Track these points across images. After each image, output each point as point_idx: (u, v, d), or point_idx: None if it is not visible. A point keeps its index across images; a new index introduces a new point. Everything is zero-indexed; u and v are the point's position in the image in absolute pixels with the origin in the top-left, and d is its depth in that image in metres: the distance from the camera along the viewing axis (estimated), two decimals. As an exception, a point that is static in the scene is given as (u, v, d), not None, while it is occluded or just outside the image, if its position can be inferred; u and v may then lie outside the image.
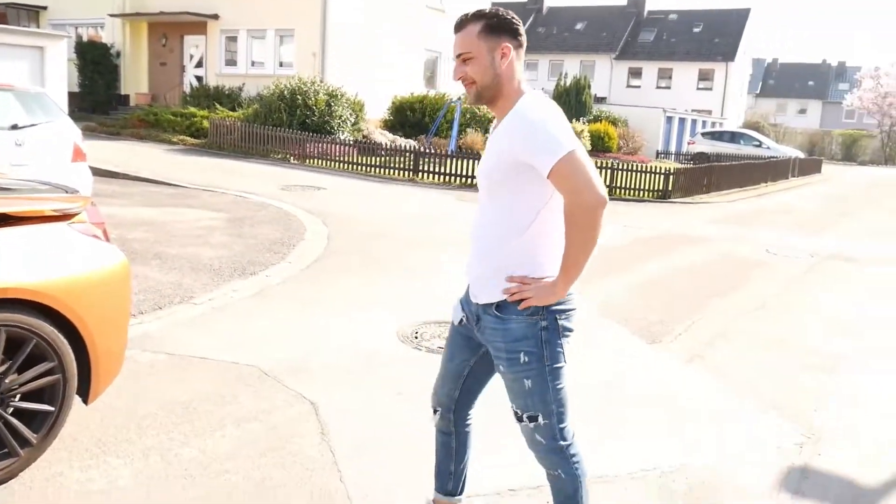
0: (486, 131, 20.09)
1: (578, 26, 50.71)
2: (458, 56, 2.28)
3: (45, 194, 3.33)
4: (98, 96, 23.11)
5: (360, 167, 16.57)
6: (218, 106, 20.11)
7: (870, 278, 8.53)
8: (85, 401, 3.15)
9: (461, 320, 2.51)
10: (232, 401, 3.84)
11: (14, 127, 7.51)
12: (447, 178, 15.87)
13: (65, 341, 2.96)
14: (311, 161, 16.95)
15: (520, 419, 2.38)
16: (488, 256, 2.32)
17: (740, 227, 12.12)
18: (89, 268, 3.14)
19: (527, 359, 2.28)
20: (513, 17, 2.26)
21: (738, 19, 48.40)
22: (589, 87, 31.31)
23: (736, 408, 4.28)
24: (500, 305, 2.30)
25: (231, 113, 19.52)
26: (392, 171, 16.30)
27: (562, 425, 2.36)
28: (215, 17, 22.25)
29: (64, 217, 3.15)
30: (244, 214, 9.59)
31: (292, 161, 16.95)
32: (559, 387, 2.32)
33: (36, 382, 2.93)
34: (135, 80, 24.13)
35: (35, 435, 2.95)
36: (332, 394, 4.03)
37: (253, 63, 22.35)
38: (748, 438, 3.85)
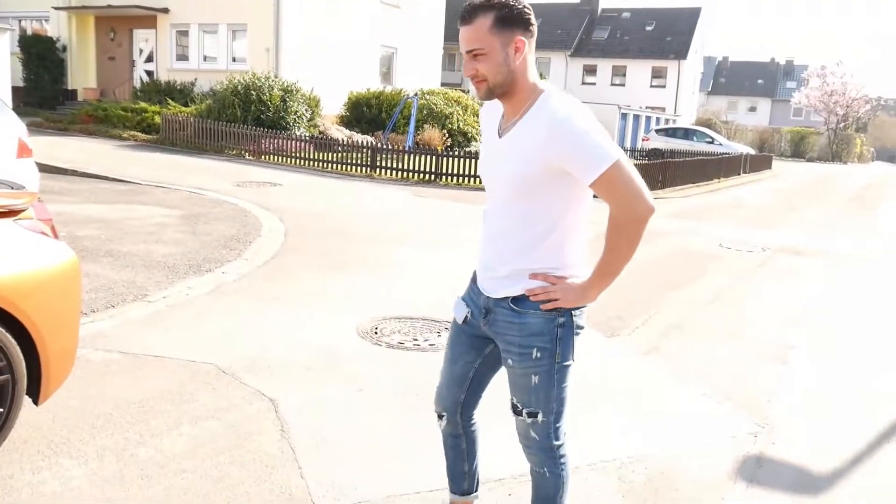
0: (444, 127, 20.03)
1: (534, 23, 51.03)
2: (469, 52, 2.08)
3: (-10, 189, 3.23)
4: (44, 91, 22.58)
5: (316, 163, 16.43)
6: (170, 101, 19.76)
7: (818, 271, 8.75)
8: (35, 402, 3.06)
9: (465, 317, 2.40)
10: (189, 399, 3.77)
11: (-45, 122, 7.25)
12: (405, 173, 15.82)
13: (13, 341, 2.87)
14: (267, 157, 16.74)
15: (518, 413, 2.33)
16: (516, 258, 2.20)
17: (695, 222, 12.33)
18: (37, 265, 3.04)
19: (539, 354, 2.21)
20: (524, 7, 2.06)
21: (689, 18, 49.26)
22: (545, 83, 31.51)
23: (692, 399, 4.35)
24: (516, 299, 2.22)
25: (183, 108, 19.19)
26: (349, 167, 16.19)
27: (558, 424, 2.33)
28: (165, 10, 21.84)
29: (9, 214, 3.06)
30: (199, 211, 9.42)
31: (247, 157, 16.72)
32: (563, 385, 2.28)
33: (-17, 383, 2.83)
34: (82, 75, 23.57)
35: (-18, 438, 2.86)
36: (292, 390, 3.98)
37: (205, 58, 22.00)
38: (704, 429, 3.91)
